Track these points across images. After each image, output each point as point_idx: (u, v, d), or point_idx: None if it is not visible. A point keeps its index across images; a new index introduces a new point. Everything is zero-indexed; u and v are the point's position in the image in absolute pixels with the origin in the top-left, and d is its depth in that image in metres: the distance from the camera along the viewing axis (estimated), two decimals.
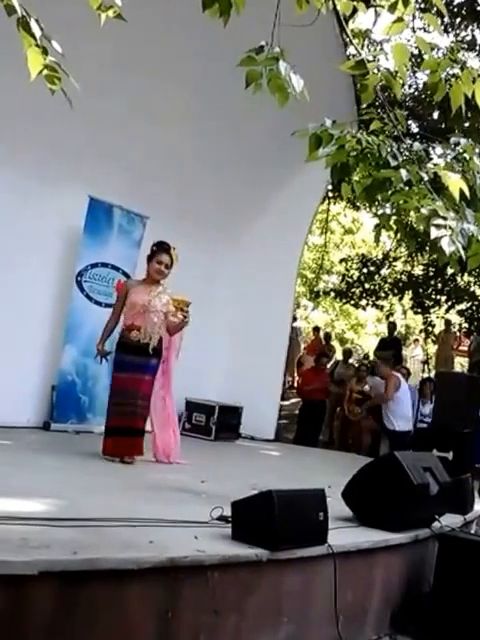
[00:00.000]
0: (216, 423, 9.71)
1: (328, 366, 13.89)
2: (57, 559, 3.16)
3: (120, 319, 6.70)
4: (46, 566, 3.07)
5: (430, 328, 17.85)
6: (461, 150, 4.44)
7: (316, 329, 18.60)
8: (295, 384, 15.09)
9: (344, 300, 19.22)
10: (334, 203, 19.40)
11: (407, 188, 4.11)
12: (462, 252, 3.95)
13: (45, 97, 3.41)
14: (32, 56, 3.17)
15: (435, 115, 15.75)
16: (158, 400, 6.75)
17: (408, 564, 5.07)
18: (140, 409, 6.47)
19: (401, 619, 4.89)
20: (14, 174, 7.54)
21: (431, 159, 4.33)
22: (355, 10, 4.00)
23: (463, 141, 4.50)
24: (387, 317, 19.20)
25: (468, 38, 14.79)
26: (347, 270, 18.85)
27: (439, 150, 4.37)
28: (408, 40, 11.22)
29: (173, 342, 6.83)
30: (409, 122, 15.18)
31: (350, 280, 18.46)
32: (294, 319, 14.66)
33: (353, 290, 18.37)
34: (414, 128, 15.58)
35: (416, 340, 19.92)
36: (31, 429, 7.89)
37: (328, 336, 18.32)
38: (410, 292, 17.75)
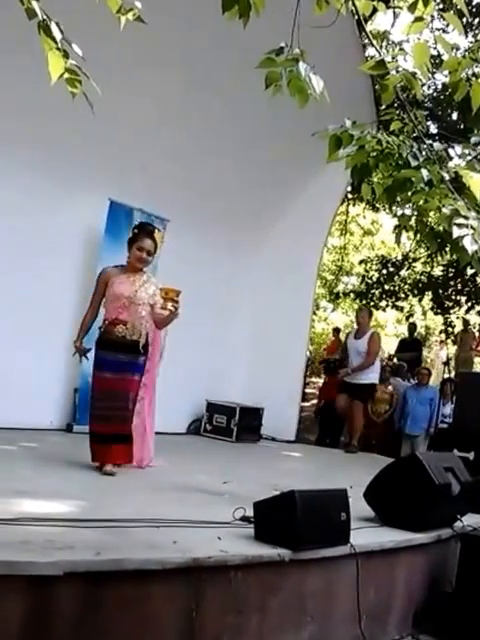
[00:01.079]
0: (237, 424, 9.71)
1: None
2: (81, 560, 3.20)
3: (98, 312, 6.05)
4: (71, 567, 3.11)
5: (450, 329, 17.78)
6: None
7: (336, 330, 18.55)
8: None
9: (364, 301, 19.17)
10: (353, 205, 19.37)
11: (428, 188, 4.10)
12: None
13: (66, 101, 3.44)
14: (53, 59, 3.18)
15: (454, 116, 15.72)
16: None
17: (430, 564, 5.07)
18: (130, 413, 5.85)
19: (423, 619, 4.89)
20: (36, 178, 7.60)
21: (451, 159, 4.31)
22: (374, 10, 3.99)
23: None
24: (407, 318, 19.13)
25: None
26: (366, 271, 18.83)
27: (458, 150, 4.35)
28: (426, 41, 11.19)
29: (158, 337, 6.14)
30: (428, 123, 15.17)
31: (369, 281, 18.44)
32: None
33: (373, 291, 18.34)
34: (433, 129, 15.56)
35: (441, 342, 19.81)
36: (54, 431, 7.94)
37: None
38: (430, 293, 17.69)
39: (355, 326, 10.87)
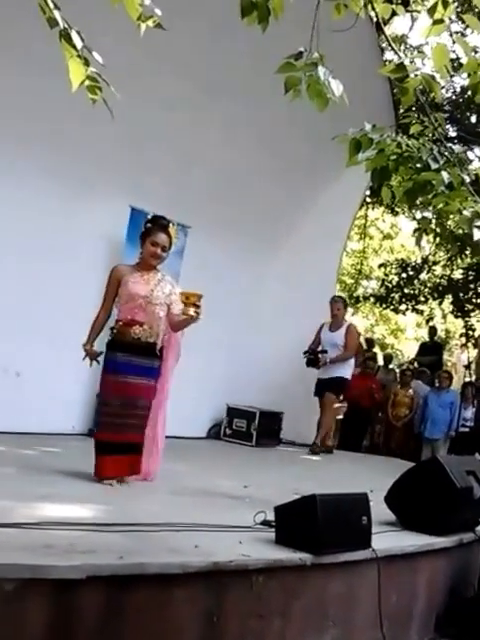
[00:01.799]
0: (257, 429, 9.71)
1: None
2: (104, 563, 3.21)
3: (111, 313, 5.64)
4: (93, 571, 3.12)
5: (470, 332, 17.69)
6: None
7: None
8: None
9: (383, 305, 19.15)
10: (372, 209, 19.34)
11: (448, 191, 4.09)
12: None
13: (87, 108, 3.47)
14: (74, 67, 3.21)
15: (473, 119, 15.67)
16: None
17: (452, 568, 5.05)
18: (143, 421, 5.43)
19: (446, 623, 4.87)
20: (58, 186, 7.65)
21: (471, 162, 4.31)
22: (393, 14, 4.00)
23: None
24: (427, 322, 19.06)
25: None
26: (386, 275, 18.79)
27: (478, 152, 4.35)
28: (445, 44, 11.17)
29: (173, 340, 5.66)
30: (447, 126, 15.12)
31: (389, 285, 18.40)
32: None
33: (392, 295, 18.30)
34: (452, 132, 15.52)
35: (462, 345, 19.69)
36: (76, 436, 7.98)
37: (371, 342, 18.05)
38: (450, 296, 17.63)
39: (329, 318, 10.03)
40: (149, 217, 5.73)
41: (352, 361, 10.00)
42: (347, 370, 9.84)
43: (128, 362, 5.37)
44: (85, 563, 3.13)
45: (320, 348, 9.81)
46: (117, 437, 5.31)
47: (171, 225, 5.63)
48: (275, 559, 3.76)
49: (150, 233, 5.54)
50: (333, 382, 9.70)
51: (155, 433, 5.60)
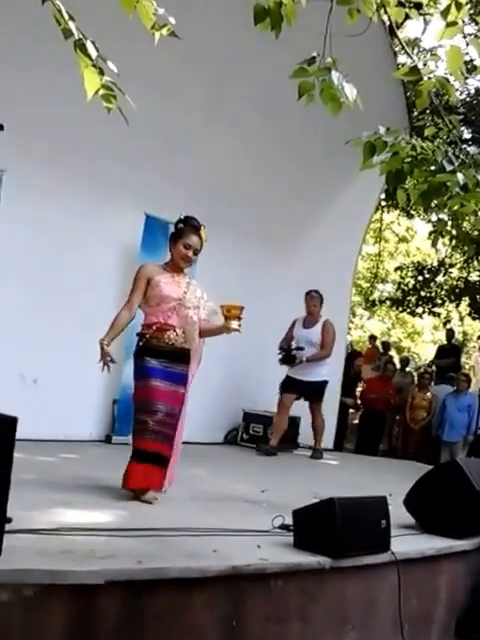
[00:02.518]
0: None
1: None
2: (123, 568, 3.23)
3: (136, 313, 5.26)
4: (112, 575, 3.14)
5: None
6: None
7: (372, 338, 18.46)
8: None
9: (400, 308, 19.09)
10: (387, 212, 19.31)
11: (464, 192, 4.09)
12: None
13: (100, 115, 3.49)
14: (89, 76, 3.24)
15: None
16: None
17: (472, 571, 5.02)
18: (174, 431, 5.08)
19: (467, 627, 4.84)
20: (74, 195, 7.69)
21: None
22: (406, 17, 4.01)
23: None
24: (444, 324, 19.00)
25: None
26: (402, 278, 18.77)
27: None
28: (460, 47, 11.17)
29: (198, 347, 5.34)
30: (462, 128, 15.09)
31: (405, 288, 18.35)
32: None
33: (409, 298, 18.25)
34: (466, 134, 15.48)
35: None
36: (94, 442, 8.02)
37: (387, 345, 18.03)
38: (467, 298, 17.57)
39: (304, 313, 9.53)
40: (181, 217, 5.40)
41: (330, 360, 9.46)
42: (326, 370, 9.39)
43: (164, 369, 5.07)
44: (104, 568, 3.15)
45: (294, 345, 9.39)
46: (152, 446, 4.97)
47: (203, 227, 5.33)
48: (294, 563, 3.77)
49: (182, 234, 5.25)
50: (319, 389, 9.34)
51: (177, 441, 5.23)
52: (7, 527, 3.07)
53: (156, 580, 3.27)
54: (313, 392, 9.34)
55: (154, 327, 5.11)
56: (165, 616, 3.29)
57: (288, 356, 9.35)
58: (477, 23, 12.71)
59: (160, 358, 5.07)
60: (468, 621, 4.88)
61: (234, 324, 5.06)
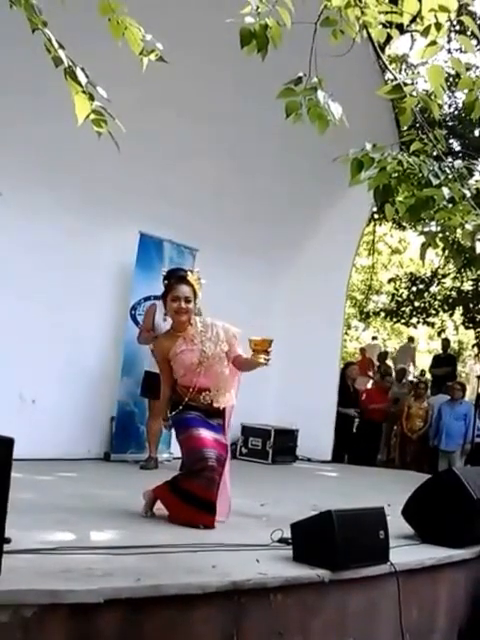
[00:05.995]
0: (272, 447, 9.75)
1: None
2: (122, 586, 3.23)
3: (174, 386, 5.23)
4: (111, 594, 3.14)
5: None
6: None
7: (362, 350, 18.42)
8: None
9: (395, 319, 19.15)
10: (380, 224, 19.39)
11: (450, 205, 4.14)
12: None
13: (93, 140, 3.54)
14: (79, 102, 3.30)
15: (476, 133, 15.77)
16: None
17: (473, 580, 5.03)
18: (220, 476, 5.01)
19: (468, 636, 4.85)
20: (69, 215, 7.74)
21: (473, 175, 4.35)
22: (389, 37, 4.08)
23: None
24: (439, 334, 19.05)
25: None
26: (396, 289, 18.83)
27: None
28: (446, 62, 11.30)
29: (236, 381, 5.41)
30: (451, 140, 15.24)
31: (400, 299, 18.42)
32: None
33: (403, 309, 18.32)
34: (456, 146, 15.60)
35: (475, 356, 19.65)
36: (92, 460, 8.02)
37: (384, 355, 17.97)
38: (461, 308, 17.64)
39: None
40: (163, 273, 5.54)
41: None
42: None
43: (204, 420, 5.09)
44: (103, 587, 3.15)
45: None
46: (205, 493, 4.87)
47: (189, 272, 5.30)
48: (293, 576, 3.78)
49: (169, 289, 5.20)
50: None
51: (227, 483, 5.27)
52: (5, 548, 3.08)
53: (155, 597, 3.27)
54: None
55: (191, 390, 5.12)
56: (165, 633, 3.29)
57: None
58: (458, 41, 12.84)
59: (197, 410, 5.12)
60: (470, 630, 4.89)
61: (261, 358, 5.08)
